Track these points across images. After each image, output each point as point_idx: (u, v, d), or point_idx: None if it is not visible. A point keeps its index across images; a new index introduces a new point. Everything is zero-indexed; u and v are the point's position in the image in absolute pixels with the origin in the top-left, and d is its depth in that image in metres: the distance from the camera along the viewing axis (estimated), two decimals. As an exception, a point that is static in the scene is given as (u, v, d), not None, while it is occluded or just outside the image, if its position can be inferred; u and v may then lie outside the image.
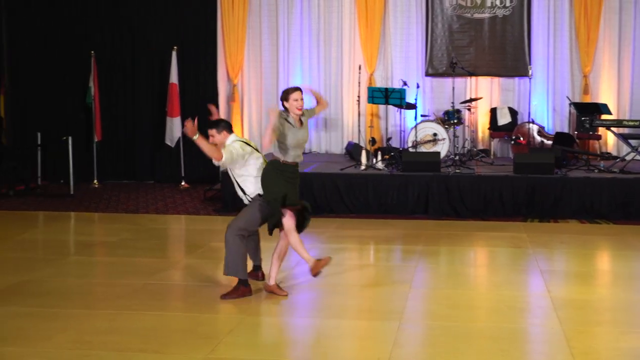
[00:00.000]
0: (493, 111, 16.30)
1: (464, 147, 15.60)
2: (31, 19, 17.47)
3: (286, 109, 8.26)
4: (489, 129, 16.34)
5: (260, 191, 8.33)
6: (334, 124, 17.18)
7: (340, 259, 10.03)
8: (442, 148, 14.77)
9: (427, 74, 16.76)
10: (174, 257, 10.92)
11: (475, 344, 6.97)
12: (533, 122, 15.48)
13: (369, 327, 7.63)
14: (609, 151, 15.98)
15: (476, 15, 16.53)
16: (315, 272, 8.31)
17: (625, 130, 14.70)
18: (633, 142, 14.64)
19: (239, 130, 17.02)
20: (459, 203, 13.26)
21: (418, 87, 15.65)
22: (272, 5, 17.14)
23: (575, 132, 15.44)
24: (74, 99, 17.44)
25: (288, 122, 8.18)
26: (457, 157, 14.27)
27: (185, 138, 16.33)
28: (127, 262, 10.08)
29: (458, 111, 15.27)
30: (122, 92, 17.52)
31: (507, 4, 16.38)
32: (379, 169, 13.96)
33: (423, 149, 14.72)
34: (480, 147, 16.41)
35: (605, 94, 16.21)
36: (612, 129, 14.77)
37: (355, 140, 16.27)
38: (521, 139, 15.41)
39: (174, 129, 16.40)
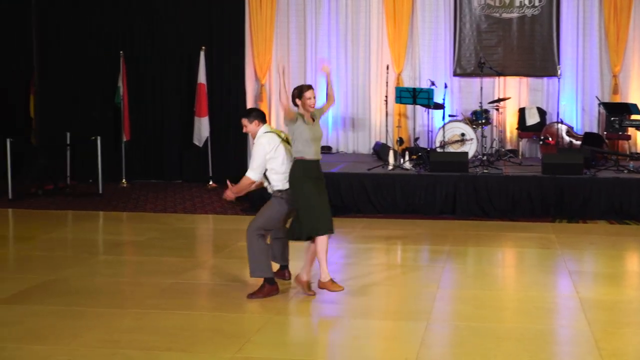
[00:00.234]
0: (521, 111, 16.24)
1: (492, 147, 15.54)
2: (61, 19, 17.58)
3: (298, 106, 8.25)
4: (517, 129, 16.27)
5: (281, 187, 8.30)
6: (361, 124, 17.17)
7: (367, 259, 10.02)
8: (470, 148, 14.71)
9: (455, 74, 16.72)
10: (201, 257, 10.95)
11: (503, 345, 6.94)
12: (562, 122, 15.41)
13: (397, 327, 7.61)
14: (638, 151, 15.88)
15: (505, 15, 16.47)
16: (322, 287, 8.30)
17: (655, 131, 14.62)
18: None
19: (267, 129, 17.00)
20: (487, 203, 13.21)
21: (446, 87, 15.61)
22: (300, 4, 17.15)
23: (605, 133, 15.36)
24: (103, 98, 17.53)
25: (303, 118, 8.18)
26: (485, 158, 14.22)
27: (213, 138, 16.47)
28: (155, 262, 10.11)
29: (486, 111, 15.21)
30: (150, 92, 17.59)
31: (536, 3, 16.31)
32: (407, 169, 13.93)
33: (451, 149, 14.68)
34: (509, 147, 16.35)
35: (634, 93, 16.10)
36: (642, 129, 14.70)
37: (383, 141, 16.26)
38: (550, 139, 15.34)
39: (202, 128, 16.44)
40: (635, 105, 14.70)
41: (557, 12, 16.31)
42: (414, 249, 11.27)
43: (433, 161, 13.70)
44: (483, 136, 14.86)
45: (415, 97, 14.63)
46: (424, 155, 14.44)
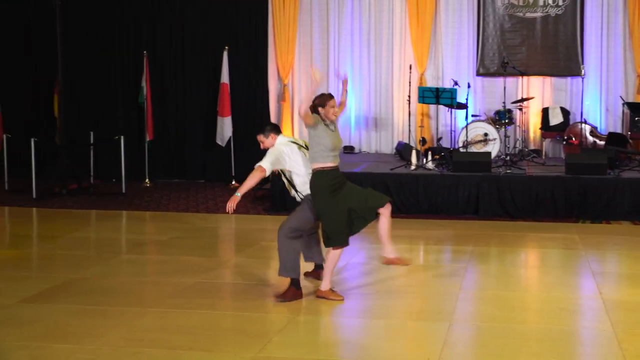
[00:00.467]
0: (545, 111, 16.18)
1: (515, 147, 15.49)
2: (85, 19, 17.68)
3: (319, 114, 8.20)
4: (540, 129, 16.22)
5: (309, 191, 8.30)
6: (384, 124, 17.16)
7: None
8: (493, 148, 14.67)
9: (478, 74, 16.68)
10: (223, 256, 10.98)
11: (526, 345, 6.91)
12: (585, 122, 15.34)
13: (419, 327, 7.60)
14: (663, 152, 15.79)
15: (528, 15, 16.42)
16: (320, 295, 8.28)
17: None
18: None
19: (289, 130, 17.06)
20: (510, 204, 13.17)
21: (469, 86, 15.56)
22: (322, 4, 17.16)
23: (629, 133, 15.28)
24: (127, 98, 17.61)
25: (325, 124, 8.15)
26: (508, 158, 14.17)
27: (236, 137, 16.51)
28: (177, 261, 10.13)
29: (509, 111, 15.17)
30: (173, 92, 17.65)
31: (560, 2, 16.24)
32: (429, 169, 13.91)
33: (474, 149, 14.64)
34: (532, 147, 16.29)
35: (659, 93, 16.04)
36: (667, 129, 14.61)
37: (406, 140, 16.23)
38: (573, 139, 15.28)
39: (225, 128, 16.47)
40: (660, 105, 14.65)
41: (581, 12, 16.23)
42: (437, 249, 11.25)
43: (456, 161, 13.67)
44: (506, 136, 14.81)
45: (438, 97, 14.59)
46: (446, 155, 14.41)
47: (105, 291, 8.68)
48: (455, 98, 14.58)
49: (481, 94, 16.67)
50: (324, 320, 7.92)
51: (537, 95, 16.34)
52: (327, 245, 8.19)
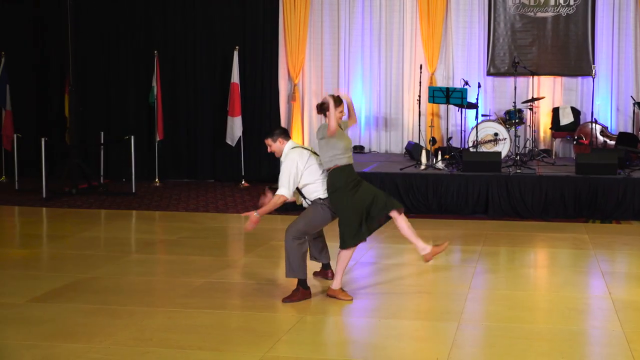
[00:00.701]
0: (555, 111, 16.16)
1: (525, 147, 15.48)
2: (96, 18, 17.73)
3: (326, 117, 8.26)
4: (550, 128, 16.20)
5: (321, 195, 8.30)
6: (394, 124, 17.16)
7: (399, 259, 10.00)
8: (503, 148, 14.65)
9: (489, 74, 16.67)
10: (233, 256, 10.99)
11: (535, 345, 6.90)
12: (596, 122, 15.31)
13: (428, 327, 7.60)
14: (673, 152, 15.75)
15: (539, 14, 16.39)
16: (331, 294, 8.33)
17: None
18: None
19: (299, 129, 17.08)
20: (520, 203, 13.16)
21: (479, 86, 15.53)
22: (333, 4, 17.17)
23: (639, 132, 15.23)
24: (137, 98, 17.65)
25: (340, 127, 8.27)
26: (518, 157, 14.14)
27: (246, 137, 16.52)
28: (187, 261, 10.15)
29: (520, 111, 15.14)
30: (183, 92, 17.68)
31: (571, 2, 16.21)
32: (439, 169, 13.90)
33: (484, 148, 14.62)
34: (542, 147, 16.28)
35: (670, 93, 16.00)
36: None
37: (415, 140, 16.24)
38: (584, 139, 15.25)
39: (235, 128, 16.49)
40: (670, 105, 14.61)
41: (593, 11, 16.20)
42: (446, 249, 11.21)
43: (466, 161, 13.66)
44: (516, 136, 14.79)
45: (448, 96, 14.59)
46: (456, 155, 14.40)
47: (115, 291, 8.70)
48: (465, 98, 14.58)
49: (491, 94, 16.65)
50: (333, 319, 7.92)
51: (548, 95, 16.32)
52: (342, 247, 8.20)
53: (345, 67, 17.22)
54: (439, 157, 14.41)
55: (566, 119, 15.97)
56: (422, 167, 13.96)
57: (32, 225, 13.04)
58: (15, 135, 16.46)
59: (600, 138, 15.33)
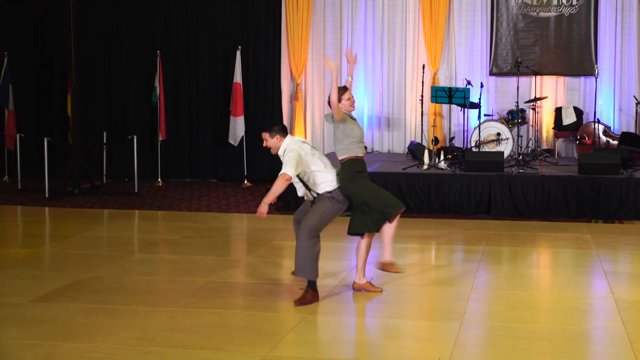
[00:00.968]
0: (558, 111, 16.14)
1: (527, 146, 15.47)
2: (99, 18, 17.72)
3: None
4: (553, 128, 16.18)
5: (328, 187, 8.28)
6: (396, 124, 17.14)
7: (401, 259, 10.00)
8: (506, 148, 14.65)
9: (492, 73, 16.65)
10: (235, 256, 10.99)
11: (537, 345, 6.90)
12: (599, 122, 15.29)
13: (430, 327, 7.59)
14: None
15: (542, 14, 16.38)
16: (357, 288, 8.48)
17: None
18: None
19: (302, 129, 17.08)
20: (522, 203, 13.15)
21: (482, 86, 15.53)
22: (336, 4, 17.15)
23: (642, 132, 15.26)
24: (140, 98, 17.66)
25: (350, 116, 8.30)
26: (520, 157, 14.14)
27: (249, 137, 16.52)
28: (190, 260, 10.15)
29: (522, 111, 15.13)
30: (186, 92, 17.68)
31: (574, 2, 16.19)
32: (442, 169, 13.89)
33: (486, 148, 14.62)
34: (545, 147, 16.26)
35: (673, 93, 15.98)
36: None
37: (418, 140, 16.23)
38: (586, 138, 15.24)
39: (237, 127, 16.49)
40: (673, 105, 14.59)
41: (595, 11, 16.17)
42: (448, 249, 11.24)
43: (468, 161, 13.65)
44: (519, 136, 14.78)
45: (451, 96, 14.59)
46: (459, 155, 14.40)
47: (117, 290, 8.70)
48: (468, 98, 14.57)
49: (494, 94, 16.63)
50: (336, 319, 7.91)
51: (550, 94, 16.31)
52: (389, 218, 8.27)
53: (347, 66, 17.13)
54: (442, 157, 14.40)
55: (569, 118, 15.96)
56: (425, 167, 13.96)
57: (34, 225, 13.05)
58: (17, 135, 16.46)
59: (603, 138, 15.32)
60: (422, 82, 15.95)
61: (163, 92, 16.89)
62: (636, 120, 15.79)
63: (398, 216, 8.35)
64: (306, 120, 17.30)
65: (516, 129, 14.91)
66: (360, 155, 8.32)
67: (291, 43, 17.13)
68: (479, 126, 14.83)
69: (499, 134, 14.73)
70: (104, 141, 16.74)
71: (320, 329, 7.66)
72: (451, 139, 15.73)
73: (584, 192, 13.03)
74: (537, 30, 16.44)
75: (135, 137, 15.77)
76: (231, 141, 16.63)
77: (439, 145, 15.59)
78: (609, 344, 7.08)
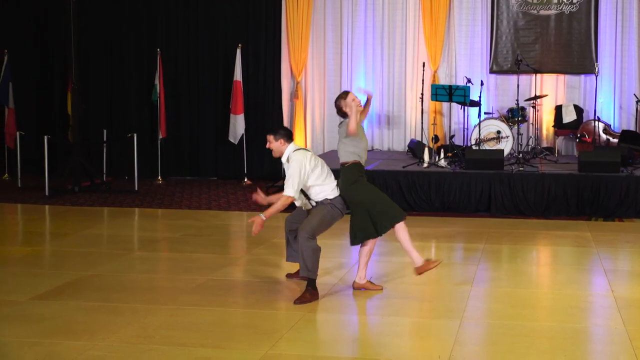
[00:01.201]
0: (558, 109, 16.14)
1: (528, 144, 15.48)
2: (99, 17, 17.72)
3: (345, 115, 8.37)
4: (553, 126, 16.18)
5: (328, 195, 8.30)
6: (396, 122, 17.14)
7: (401, 257, 9.99)
8: (506, 146, 14.65)
9: (492, 71, 16.65)
10: (235, 254, 10.99)
11: (537, 343, 6.91)
12: (599, 120, 15.29)
13: (430, 325, 7.60)
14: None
15: (542, 12, 16.38)
16: (356, 287, 8.54)
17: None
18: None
19: (302, 127, 17.08)
20: (522, 201, 13.15)
21: (482, 84, 15.52)
22: (336, 2, 17.17)
23: (642, 130, 15.26)
24: (140, 96, 17.66)
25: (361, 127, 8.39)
26: (520, 155, 14.14)
27: (249, 135, 16.53)
28: (190, 258, 10.15)
29: (522, 109, 15.13)
30: (186, 89, 17.69)
31: (574, 0, 16.18)
32: (442, 167, 13.90)
33: (486, 146, 14.62)
34: (545, 145, 16.26)
35: (673, 91, 15.98)
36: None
37: (418, 138, 16.23)
38: (586, 136, 15.24)
39: (237, 125, 16.49)
40: (673, 103, 14.59)
41: (596, 9, 16.18)
42: (449, 247, 11.24)
43: (468, 159, 13.65)
44: (519, 134, 14.77)
45: (451, 94, 14.59)
46: (459, 153, 14.40)
47: (117, 288, 8.70)
48: (468, 96, 14.57)
49: (494, 92, 16.64)
50: (335, 317, 7.91)
51: (551, 92, 16.31)
52: (395, 222, 8.34)
53: (347, 64, 17.21)
54: (442, 155, 14.40)
55: (569, 116, 15.96)
56: (425, 165, 13.96)
57: (34, 223, 13.05)
58: (18, 133, 16.44)
59: (603, 136, 15.32)
60: (422, 80, 15.95)
61: (163, 90, 16.89)
62: (636, 118, 15.79)
63: (403, 221, 8.37)
64: (306, 118, 17.30)
65: (516, 127, 14.91)
66: (362, 161, 8.39)
67: (291, 41, 17.13)
68: (479, 124, 14.83)
69: (499, 132, 14.74)
70: (104, 139, 16.74)
71: (319, 327, 7.67)
72: (451, 137, 15.73)
73: (583, 190, 13.03)
74: (537, 28, 16.44)
75: (135, 135, 15.76)
76: (231, 139, 16.63)
77: (439, 144, 15.59)
78: (608, 341, 7.08)
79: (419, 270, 8.43)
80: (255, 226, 8.22)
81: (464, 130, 15.21)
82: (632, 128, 15.78)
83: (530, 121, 15.75)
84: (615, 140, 15.10)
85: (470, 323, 7.51)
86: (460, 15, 16.69)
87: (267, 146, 8.52)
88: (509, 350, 6.71)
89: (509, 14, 16.49)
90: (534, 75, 15.79)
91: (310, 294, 8.20)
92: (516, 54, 15.84)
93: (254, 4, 17.35)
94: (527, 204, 13.14)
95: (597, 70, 15.29)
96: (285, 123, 17.01)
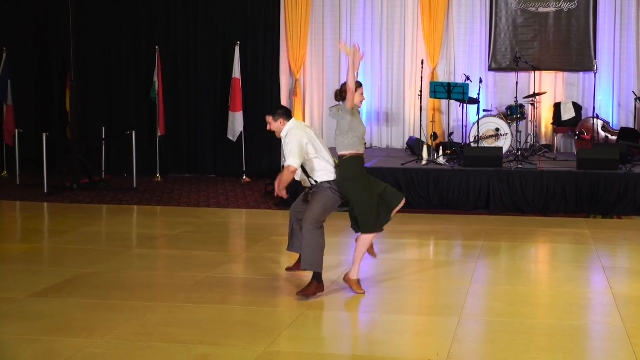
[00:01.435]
0: (557, 106, 16.14)
1: (526, 142, 15.47)
2: (98, 14, 17.71)
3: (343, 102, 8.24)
4: (552, 124, 16.18)
5: (328, 177, 8.29)
6: (395, 119, 17.14)
7: (400, 254, 10.00)
8: (505, 143, 14.65)
9: (490, 69, 16.65)
10: (234, 251, 10.99)
11: (536, 340, 6.91)
12: (597, 117, 15.30)
13: (429, 322, 7.60)
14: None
15: (541, 9, 16.37)
16: (346, 280, 8.44)
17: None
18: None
19: (301, 125, 17.05)
20: (521, 199, 13.15)
21: (481, 81, 15.49)
22: (335, -1, 17.18)
23: (641, 128, 15.26)
24: (138, 93, 17.66)
25: (359, 114, 8.27)
26: (519, 153, 14.14)
27: (247, 132, 16.54)
28: (188, 255, 10.15)
29: (521, 106, 15.12)
30: (185, 87, 17.68)
31: (573, -3, 16.21)
32: (441, 164, 13.89)
33: (485, 144, 14.62)
34: (544, 142, 16.26)
35: (672, 88, 15.98)
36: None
37: (417, 135, 16.23)
38: (585, 134, 15.24)
39: (236, 123, 16.49)
40: (672, 101, 14.59)
41: (595, 7, 16.17)
42: (447, 244, 11.24)
43: (467, 156, 13.65)
44: (518, 131, 14.78)
45: (449, 92, 14.58)
46: (458, 150, 14.40)
47: (116, 286, 8.70)
48: (467, 93, 14.57)
49: (493, 89, 16.64)
50: (334, 314, 7.92)
51: (550, 90, 16.31)
52: (362, 231, 8.21)
53: (346, 62, 17.09)
54: (441, 153, 14.39)
55: (568, 114, 15.97)
56: (424, 162, 13.95)
57: (33, 220, 13.05)
58: (16, 131, 16.46)
59: (602, 133, 15.32)
60: (421, 77, 15.94)
61: (162, 87, 16.89)
62: (635, 116, 15.80)
63: (373, 236, 8.32)
64: (305, 115, 17.30)
65: (515, 124, 14.91)
66: (361, 152, 8.24)
67: (290, 38, 17.13)
68: (477, 122, 14.82)
69: (497, 130, 14.73)
70: (103, 137, 16.74)
71: (319, 325, 7.66)
72: (450, 134, 15.73)
73: (582, 187, 13.03)
74: (536, 25, 16.44)
75: (134, 132, 15.77)
76: (230, 136, 16.63)
77: (437, 141, 15.59)
78: (607, 339, 7.08)
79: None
80: (282, 194, 8.45)
81: (462, 128, 15.20)
82: (631, 125, 15.79)
83: (529, 119, 15.75)
84: (614, 137, 15.10)
85: (469, 320, 7.51)
86: (459, 12, 16.69)
87: (268, 128, 8.52)
88: (508, 348, 6.71)
89: (507, 12, 16.48)
90: (533, 72, 15.78)
91: (315, 287, 8.19)
92: (515, 51, 15.85)
93: (252, 2, 17.35)
94: (525, 202, 13.14)
95: (595, 67, 15.30)
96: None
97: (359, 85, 8.23)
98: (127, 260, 9.97)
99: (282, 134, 8.40)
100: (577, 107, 16.00)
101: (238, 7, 17.39)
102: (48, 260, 10.32)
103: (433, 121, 16.06)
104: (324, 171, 8.29)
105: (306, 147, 8.25)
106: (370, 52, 17.09)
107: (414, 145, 15.23)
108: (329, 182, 8.27)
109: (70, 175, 15.58)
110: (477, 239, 11.15)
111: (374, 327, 7.52)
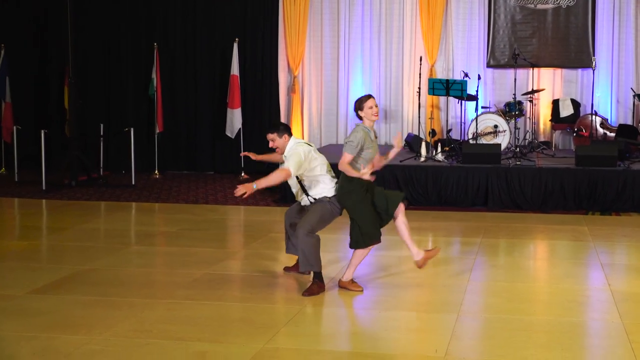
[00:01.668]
0: (555, 103, 16.14)
1: (525, 139, 15.47)
2: (96, 11, 17.70)
3: (361, 118, 8.12)
4: (550, 120, 16.19)
5: (327, 193, 8.30)
6: (393, 116, 17.14)
7: (398, 251, 10.00)
8: (503, 140, 14.65)
9: (489, 65, 16.64)
10: (232, 248, 10.99)
11: (534, 337, 6.91)
12: (596, 114, 15.30)
13: (427, 319, 7.60)
14: (673, 143, 15.73)
15: (540, 6, 16.36)
16: (342, 285, 8.37)
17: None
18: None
19: (299, 121, 17.08)
20: (520, 195, 13.16)
21: (479, 78, 15.50)
22: (333, -4, 17.17)
23: (639, 124, 15.22)
24: (137, 90, 17.65)
25: (369, 137, 8.08)
26: (517, 149, 14.14)
27: (245, 129, 16.53)
28: (187, 252, 10.15)
29: (519, 103, 15.13)
30: (183, 84, 17.67)
31: (572, -6, 16.21)
32: (439, 161, 13.89)
33: (483, 140, 14.62)
34: (542, 139, 16.26)
35: (670, 85, 15.98)
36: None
37: (415, 132, 16.23)
38: (583, 131, 15.24)
39: (234, 120, 16.49)
40: (670, 97, 14.59)
41: (593, 3, 16.16)
42: (446, 241, 11.24)
43: (465, 153, 13.65)
44: (516, 128, 14.78)
45: (448, 88, 14.58)
46: (456, 147, 14.40)
47: (115, 282, 8.70)
48: (465, 90, 14.57)
49: (491, 86, 16.63)
50: (332, 311, 7.92)
51: (548, 87, 16.30)
52: (361, 246, 8.20)
53: (345, 59, 17.20)
54: (439, 149, 14.41)
55: (566, 111, 15.96)
56: (422, 159, 13.95)
57: (31, 217, 13.04)
58: (15, 128, 16.45)
59: (600, 130, 15.33)
60: (420, 74, 15.92)
61: (160, 84, 16.87)
62: (633, 112, 15.81)
63: (369, 247, 8.31)
64: (303, 112, 17.29)
65: (513, 121, 14.92)
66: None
67: (288, 35, 17.12)
68: (476, 118, 14.82)
69: (496, 126, 14.73)
70: (101, 133, 16.72)
71: (317, 321, 7.67)
72: (448, 131, 15.73)
73: (581, 184, 13.03)
74: (534, 22, 16.43)
75: (132, 129, 15.74)
76: (228, 133, 16.62)
77: (436, 138, 15.58)
78: (605, 335, 7.09)
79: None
80: (244, 188, 7.99)
81: (461, 125, 15.20)
82: (629, 122, 15.79)
83: (528, 115, 15.74)
84: (613, 134, 15.10)
85: (467, 317, 7.52)
86: (457, 9, 16.68)
87: (271, 145, 8.49)
88: (506, 344, 6.71)
89: (506, 8, 16.47)
90: (531, 69, 15.76)
91: (317, 286, 8.22)
92: (513, 48, 15.82)
93: (250, -1, 17.37)
94: (524, 198, 13.15)
95: (594, 64, 15.30)
96: (282, 117, 17.03)
97: (368, 97, 8.12)
98: (125, 257, 9.96)
99: (286, 151, 8.37)
100: (576, 104, 16.00)
101: (236, 4, 17.38)
102: (46, 257, 10.32)
103: (431, 118, 16.05)
104: (324, 190, 8.34)
105: (313, 162, 8.26)
106: (368, 49, 17.09)
107: (412, 142, 15.23)
108: (328, 197, 8.31)
109: (68, 172, 15.57)
110: (475, 235, 11.16)
111: (372, 324, 7.52)
